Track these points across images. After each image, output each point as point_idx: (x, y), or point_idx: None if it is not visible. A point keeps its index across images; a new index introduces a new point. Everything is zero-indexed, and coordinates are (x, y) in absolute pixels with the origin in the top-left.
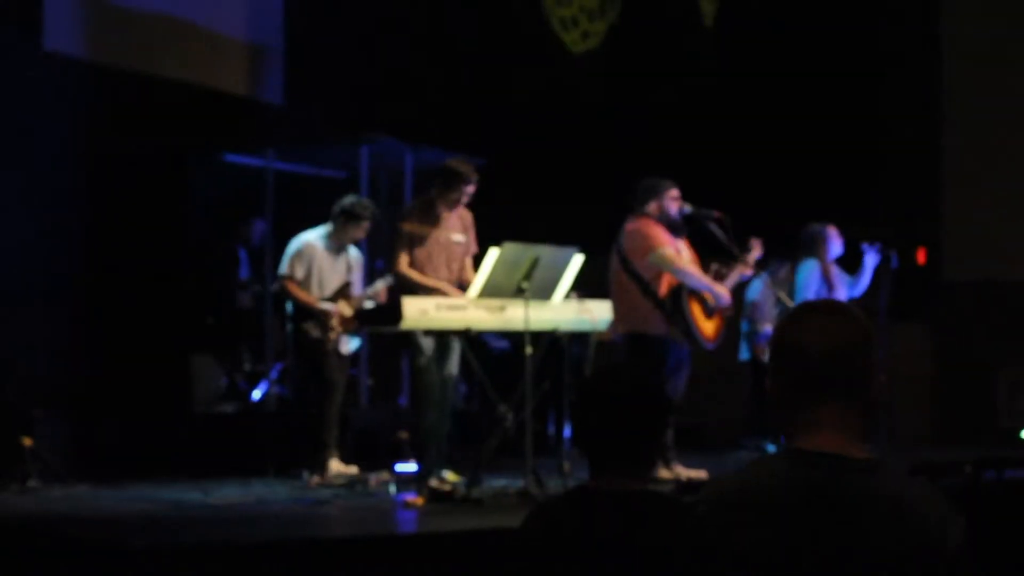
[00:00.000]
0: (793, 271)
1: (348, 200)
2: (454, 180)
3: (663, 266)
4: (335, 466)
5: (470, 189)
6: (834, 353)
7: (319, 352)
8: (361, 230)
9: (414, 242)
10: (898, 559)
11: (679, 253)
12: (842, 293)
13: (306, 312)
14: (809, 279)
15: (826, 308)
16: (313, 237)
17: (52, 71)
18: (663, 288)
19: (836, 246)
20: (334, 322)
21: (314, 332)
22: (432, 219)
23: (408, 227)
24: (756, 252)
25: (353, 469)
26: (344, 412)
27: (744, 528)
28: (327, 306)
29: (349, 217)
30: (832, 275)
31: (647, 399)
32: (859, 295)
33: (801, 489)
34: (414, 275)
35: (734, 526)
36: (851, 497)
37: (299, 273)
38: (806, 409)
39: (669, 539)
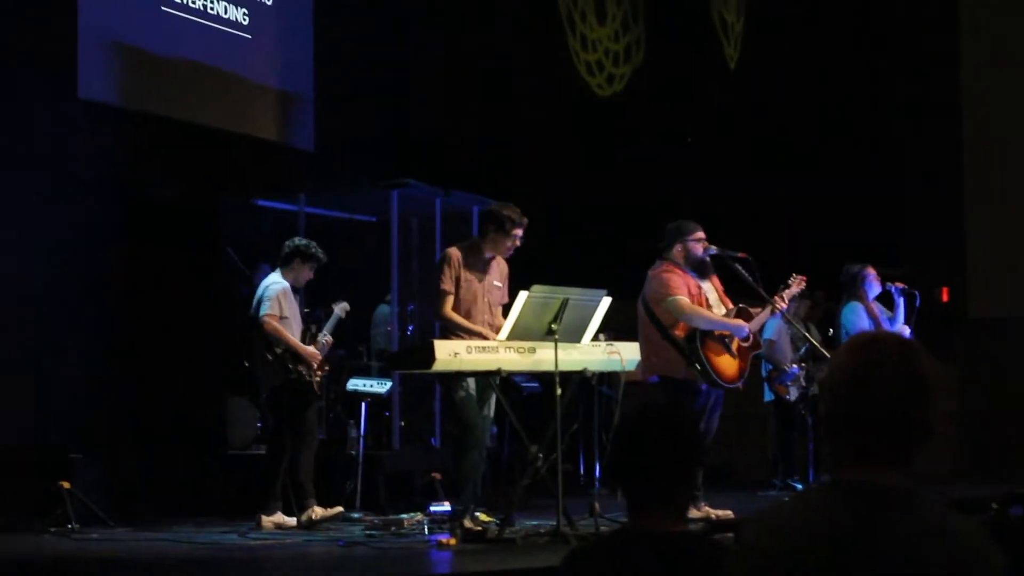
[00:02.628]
0: (815, 308)
1: (301, 241)
2: (508, 224)
3: (676, 314)
4: (318, 512)
5: (520, 232)
6: (894, 401)
7: (309, 396)
8: (312, 271)
9: (460, 284)
10: None
11: (700, 296)
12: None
13: (295, 355)
14: (860, 320)
15: (888, 350)
16: (283, 280)
17: (87, 118)
18: (681, 331)
19: (875, 286)
20: (317, 365)
21: (306, 376)
22: (479, 264)
23: (456, 267)
24: (796, 287)
25: (337, 509)
26: (377, 453)
27: (788, 560)
28: (311, 349)
29: (306, 258)
30: (876, 314)
31: (682, 438)
32: (898, 333)
33: (844, 521)
34: (459, 319)
35: (778, 558)
36: (894, 529)
37: (285, 314)
38: (852, 441)
39: None
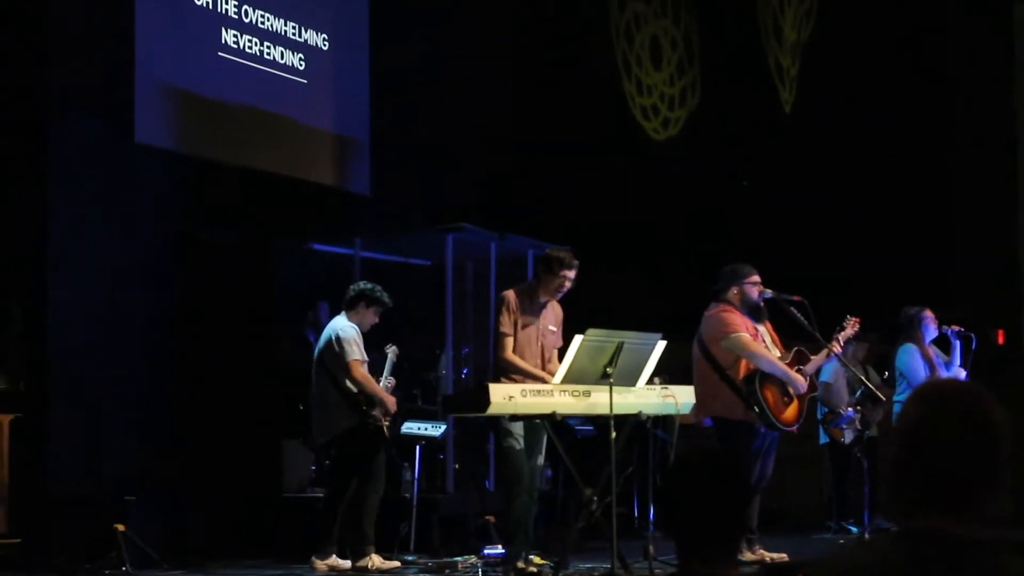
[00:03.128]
0: (870, 351)
1: (367, 285)
2: (556, 267)
3: (738, 351)
4: (376, 560)
5: (572, 275)
6: (963, 445)
7: (380, 441)
8: (377, 316)
9: (517, 327)
10: None
11: (758, 338)
12: (942, 374)
13: (369, 399)
14: (914, 363)
15: (958, 399)
16: (352, 323)
17: (145, 161)
18: (740, 373)
19: (932, 329)
20: (390, 411)
21: (379, 421)
22: (535, 308)
23: (515, 310)
24: (851, 330)
25: (395, 564)
26: (431, 496)
27: None
28: (390, 396)
29: (371, 302)
30: (931, 357)
31: (731, 481)
32: (954, 376)
33: (912, 569)
34: (520, 363)
35: None
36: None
37: (366, 358)
38: (921, 489)
39: None
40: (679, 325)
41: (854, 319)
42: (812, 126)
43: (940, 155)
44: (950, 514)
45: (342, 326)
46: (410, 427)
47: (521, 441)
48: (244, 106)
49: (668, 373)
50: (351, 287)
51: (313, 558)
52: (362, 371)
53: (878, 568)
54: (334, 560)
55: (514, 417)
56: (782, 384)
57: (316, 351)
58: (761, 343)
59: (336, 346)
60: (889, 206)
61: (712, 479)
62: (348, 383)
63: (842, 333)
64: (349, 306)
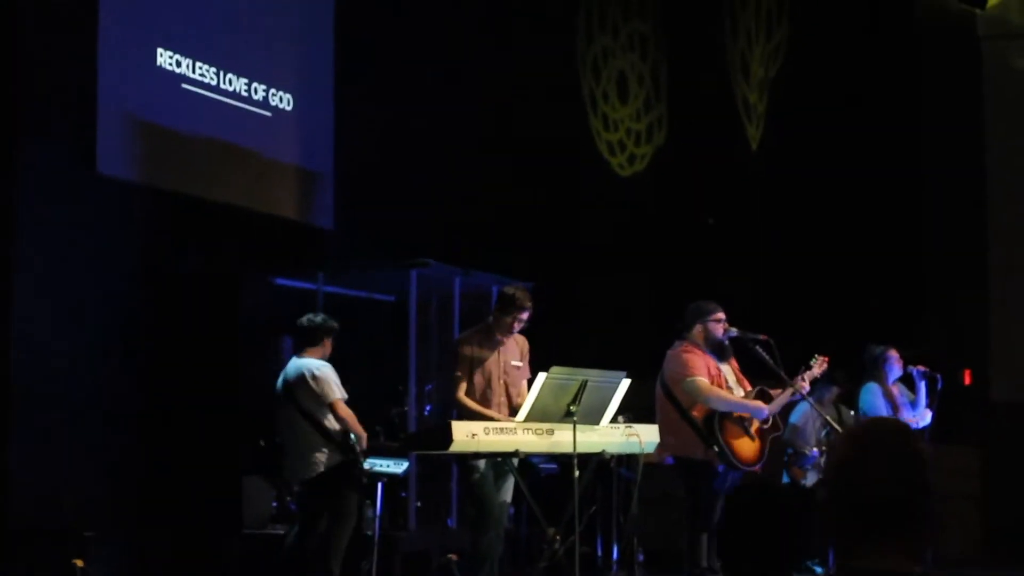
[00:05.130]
0: (840, 395)
1: (318, 317)
2: (509, 306)
3: (694, 395)
4: None
5: (525, 315)
6: (890, 479)
7: (359, 479)
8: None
9: (474, 367)
10: None
11: (719, 378)
12: (906, 414)
13: (348, 436)
14: (875, 402)
15: (881, 435)
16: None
17: (107, 192)
18: (699, 413)
19: (896, 368)
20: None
21: (362, 459)
22: (491, 344)
23: (468, 351)
24: (818, 369)
25: None
26: (393, 533)
27: None
28: (363, 432)
29: (330, 332)
30: (895, 396)
31: (788, 519)
32: (919, 416)
33: None
34: (470, 404)
35: None
36: None
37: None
38: (862, 529)
39: None
40: (644, 363)
41: (822, 358)
42: (779, 163)
43: (909, 193)
44: (892, 550)
45: (317, 365)
46: (372, 464)
47: (488, 475)
48: (208, 139)
49: (632, 411)
50: (308, 321)
51: None
52: (347, 409)
53: None
54: None
55: (477, 455)
56: (742, 423)
57: (281, 389)
58: (724, 382)
59: (315, 385)
60: (857, 244)
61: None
62: (328, 422)
63: (808, 372)
64: (311, 342)
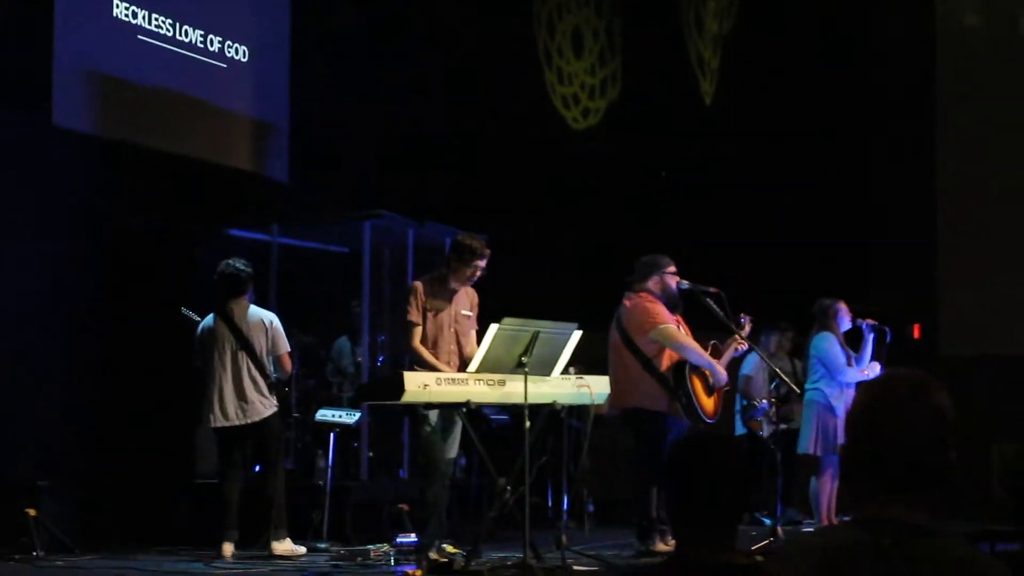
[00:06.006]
0: (793, 343)
1: (244, 262)
2: (467, 255)
3: (666, 342)
4: (287, 545)
5: (483, 263)
6: (910, 434)
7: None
8: None
9: (427, 314)
10: None
11: (680, 329)
12: (854, 367)
13: (284, 386)
14: (832, 350)
15: (906, 385)
16: None
17: (61, 146)
18: (664, 364)
19: (846, 321)
20: None
21: (291, 409)
22: (446, 294)
23: (423, 298)
24: (747, 328)
25: (301, 550)
26: (345, 484)
27: None
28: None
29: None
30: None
31: (737, 466)
32: (866, 369)
33: (878, 555)
34: (425, 353)
35: None
36: (926, 564)
37: None
38: (882, 482)
39: None
40: (596, 315)
41: (748, 317)
42: (732, 118)
43: (860, 148)
44: (903, 502)
45: (272, 316)
46: (324, 414)
47: (438, 429)
48: (163, 90)
49: (584, 363)
50: (240, 268)
51: (273, 543)
52: (291, 362)
53: (837, 554)
54: (289, 544)
55: (428, 405)
56: (704, 376)
57: (235, 337)
58: (684, 334)
59: (274, 335)
60: (808, 198)
61: (720, 463)
62: (271, 372)
63: (742, 331)
64: (247, 288)
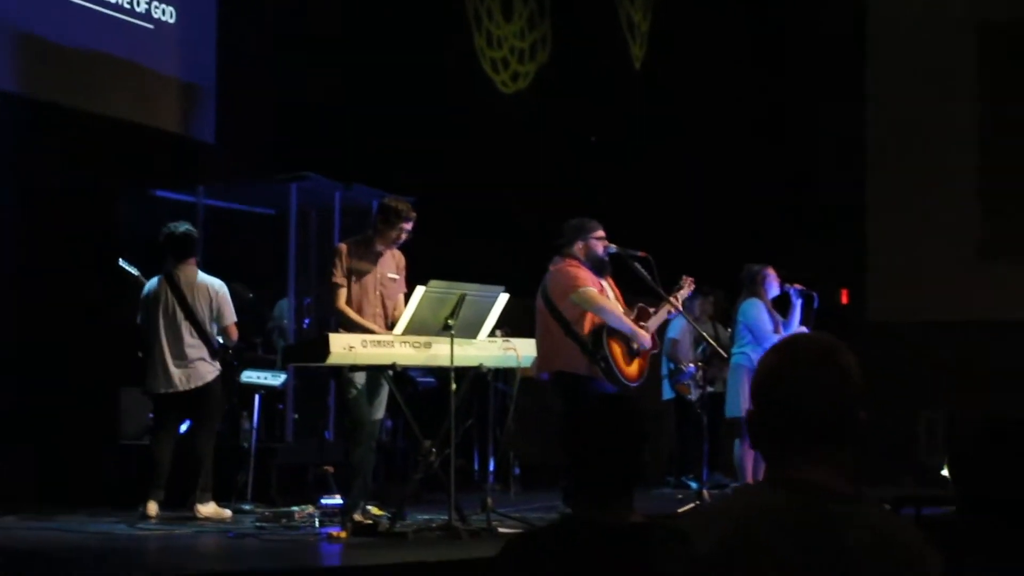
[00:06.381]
0: (717, 307)
1: (188, 225)
2: (393, 217)
3: (585, 305)
4: (211, 508)
5: (408, 226)
6: (819, 394)
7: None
8: None
9: (352, 276)
10: None
11: (603, 293)
12: (781, 332)
13: (228, 352)
14: (759, 315)
15: (812, 346)
16: None
17: None
18: (585, 328)
19: (774, 286)
20: None
21: (235, 375)
22: (371, 256)
23: (348, 260)
24: (687, 290)
25: (227, 513)
26: (270, 446)
27: (737, 554)
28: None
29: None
30: (774, 314)
31: (636, 428)
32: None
33: (790, 516)
34: (351, 313)
35: (728, 552)
36: (838, 524)
37: None
38: (792, 443)
39: (671, 570)
40: (523, 278)
41: (688, 279)
42: (662, 82)
43: (790, 113)
44: (815, 464)
45: (220, 283)
46: (250, 376)
47: (364, 391)
48: (89, 51)
49: (510, 326)
50: (181, 230)
51: (198, 505)
52: (237, 332)
53: (754, 516)
54: (214, 507)
55: (354, 368)
56: (627, 340)
57: (178, 302)
58: (607, 298)
59: (220, 304)
60: (738, 163)
61: (619, 425)
62: (214, 338)
63: (679, 292)
64: (192, 251)
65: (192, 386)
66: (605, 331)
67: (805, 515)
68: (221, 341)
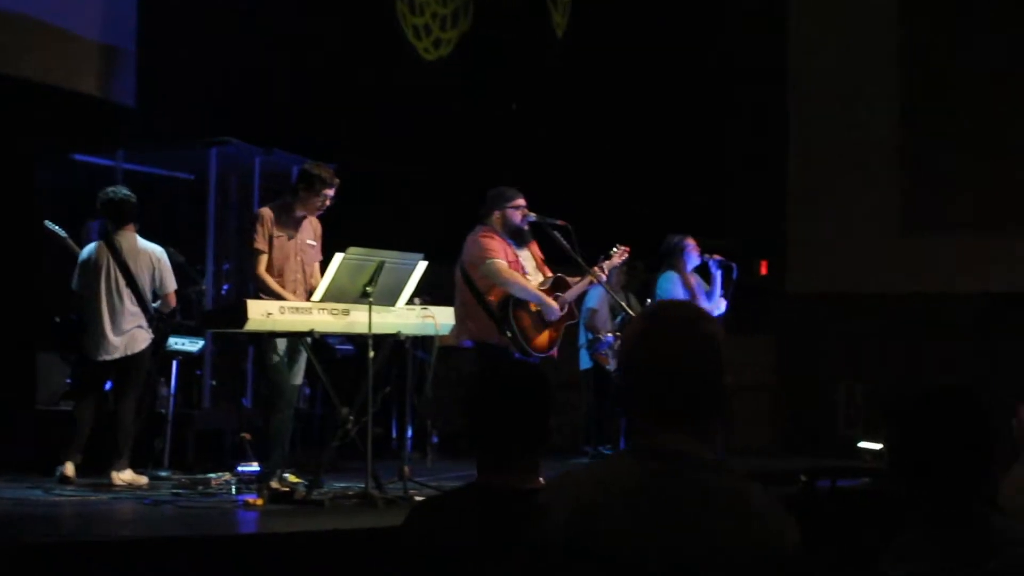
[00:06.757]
0: (632, 278)
1: (127, 190)
2: (317, 184)
3: (492, 277)
4: (127, 475)
5: (331, 193)
6: (684, 362)
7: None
8: None
9: (272, 243)
10: (739, 552)
11: (517, 264)
12: (702, 303)
13: (165, 319)
14: (673, 290)
15: (676, 314)
16: None
17: None
18: (495, 298)
19: (694, 257)
20: None
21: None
22: (292, 222)
23: (269, 226)
24: (618, 259)
25: (143, 480)
26: (187, 412)
27: (585, 520)
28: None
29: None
30: (692, 285)
31: (540, 396)
32: (714, 305)
33: (647, 483)
34: (270, 282)
35: (577, 517)
36: (695, 492)
37: None
38: (656, 411)
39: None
40: (443, 246)
41: (623, 248)
42: (584, 51)
43: (714, 84)
44: (679, 431)
45: (161, 251)
46: (168, 342)
47: (284, 357)
48: (6, 12)
49: (429, 294)
50: (120, 195)
51: (114, 472)
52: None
53: (606, 482)
54: (131, 474)
55: (272, 334)
56: (537, 310)
57: (120, 269)
58: (520, 269)
59: (162, 271)
60: (661, 133)
61: (523, 394)
62: (151, 306)
63: (607, 261)
64: (131, 216)
65: (128, 353)
66: (511, 301)
67: (665, 482)
68: (158, 308)
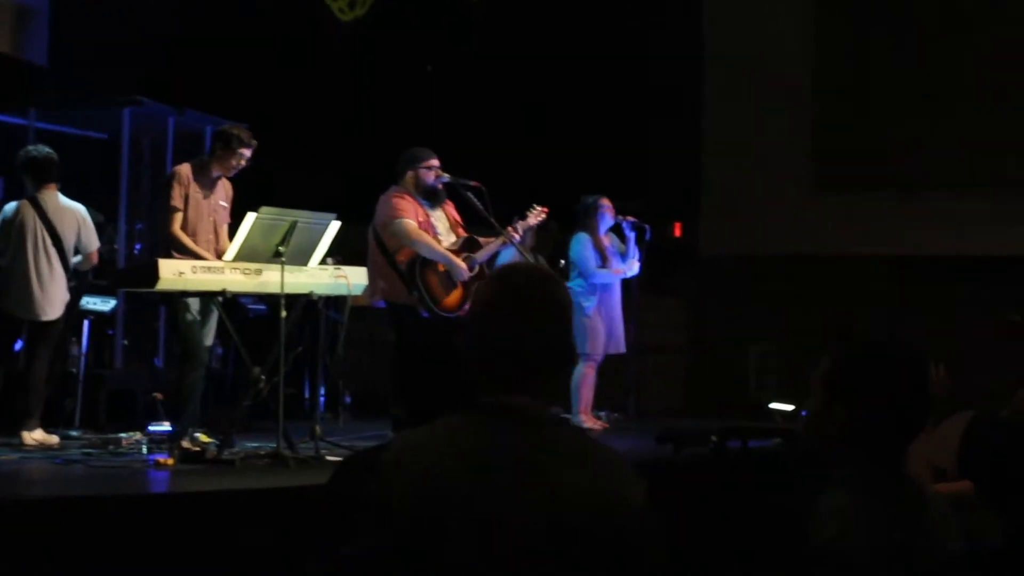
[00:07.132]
0: (543, 239)
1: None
2: (235, 143)
3: (400, 237)
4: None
5: (248, 153)
6: (529, 323)
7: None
8: None
9: (187, 202)
10: (580, 509)
11: (427, 223)
12: (616, 265)
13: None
14: (585, 252)
15: (523, 276)
16: None
17: None
18: (404, 258)
19: (608, 218)
20: None
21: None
22: (207, 183)
23: (184, 185)
24: (534, 220)
25: (54, 439)
26: (98, 372)
27: (429, 479)
28: None
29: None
30: (605, 247)
31: (452, 351)
32: (628, 267)
33: (489, 442)
34: (185, 240)
35: (420, 476)
36: (536, 449)
37: None
38: (500, 371)
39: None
40: (357, 206)
41: (540, 208)
42: (502, 11)
43: (632, 46)
44: (522, 391)
45: (84, 209)
46: (80, 301)
47: (197, 314)
48: None
49: (342, 254)
50: (40, 153)
51: (24, 432)
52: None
53: (450, 441)
54: (41, 434)
55: (184, 294)
56: (445, 270)
57: (46, 228)
58: (429, 229)
59: (83, 231)
60: (578, 95)
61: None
62: (73, 264)
63: (522, 222)
64: (52, 175)
65: (54, 316)
66: (419, 261)
67: (505, 439)
68: (76, 266)
